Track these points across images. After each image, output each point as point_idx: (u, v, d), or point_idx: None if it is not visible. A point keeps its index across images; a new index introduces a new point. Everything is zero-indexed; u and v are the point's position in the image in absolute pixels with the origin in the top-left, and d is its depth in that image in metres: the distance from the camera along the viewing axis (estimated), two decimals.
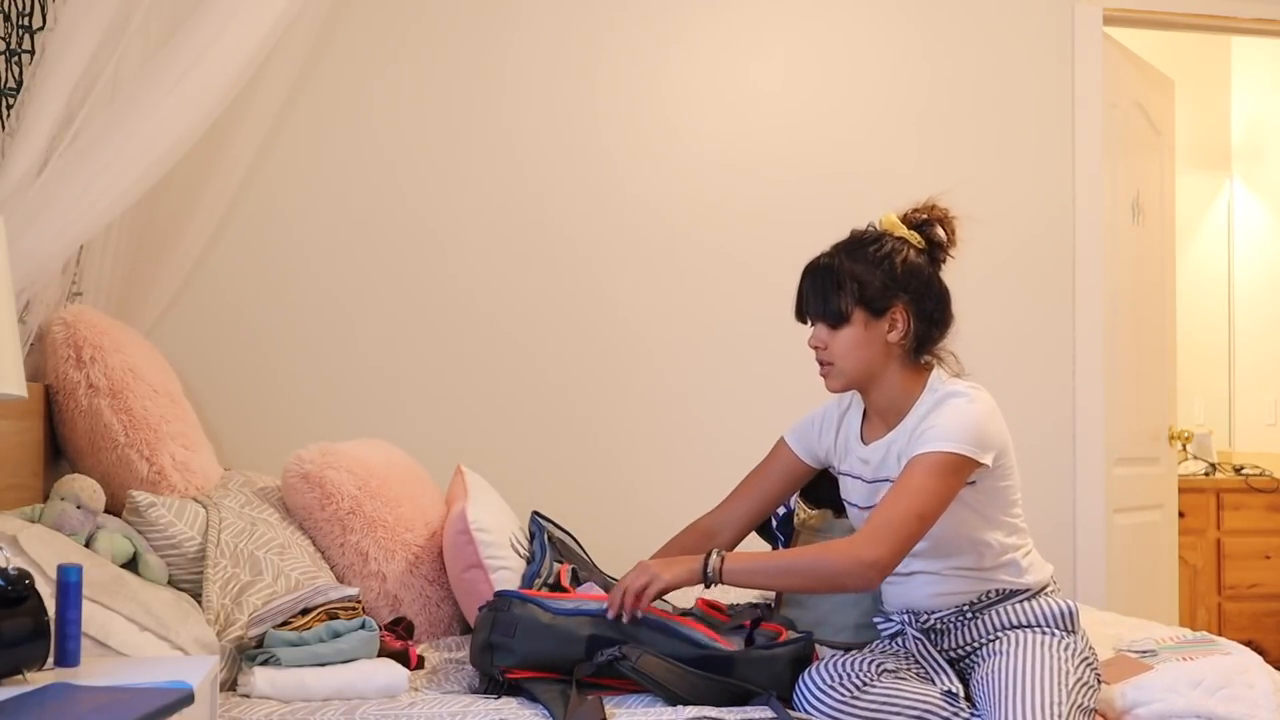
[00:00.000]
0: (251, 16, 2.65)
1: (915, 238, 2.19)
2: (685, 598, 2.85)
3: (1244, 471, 5.05)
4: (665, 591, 2.08)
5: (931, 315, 2.18)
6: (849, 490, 2.28)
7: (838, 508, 2.45)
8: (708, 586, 2.09)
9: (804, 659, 2.11)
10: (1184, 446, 4.75)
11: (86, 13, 2.44)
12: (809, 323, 2.23)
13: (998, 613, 2.14)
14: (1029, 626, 2.11)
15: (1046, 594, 2.16)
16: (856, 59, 3.76)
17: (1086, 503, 3.81)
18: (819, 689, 2.00)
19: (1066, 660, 2.05)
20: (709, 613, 2.41)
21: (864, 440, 2.24)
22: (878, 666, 2.04)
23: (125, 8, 2.55)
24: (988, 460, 2.07)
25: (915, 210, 2.22)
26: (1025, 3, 3.83)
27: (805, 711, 2.01)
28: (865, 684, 1.99)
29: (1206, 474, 5.08)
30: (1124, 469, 3.99)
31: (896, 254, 2.16)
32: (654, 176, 3.62)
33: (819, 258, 2.22)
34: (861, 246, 2.19)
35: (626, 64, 3.63)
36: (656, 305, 3.60)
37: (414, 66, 3.50)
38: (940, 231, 2.21)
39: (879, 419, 2.22)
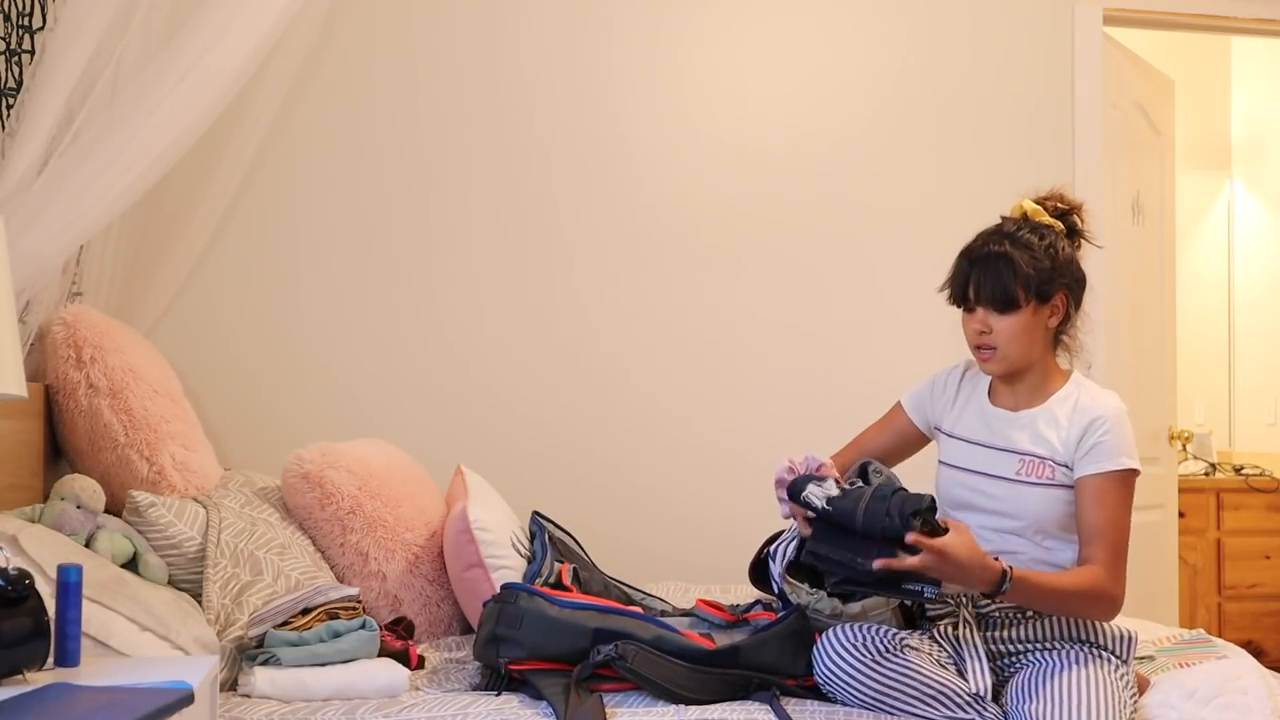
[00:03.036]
0: (252, 16, 2.66)
1: (1060, 226, 2.26)
2: (685, 598, 2.86)
3: (1244, 471, 5.04)
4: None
5: (1079, 302, 2.27)
6: (955, 453, 2.29)
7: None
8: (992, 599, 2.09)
9: (800, 634, 2.12)
10: (1184, 446, 4.75)
11: (86, 13, 2.44)
12: (969, 308, 2.23)
13: (1058, 620, 2.14)
14: (1086, 643, 2.11)
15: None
16: (857, 58, 3.76)
17: None
18: (840, 647, 2.01)
19: (1122, 690, 2.05)
20: (710, 612, 2.41)
21: (992, 400, 2.28)
22: (901, 640, 2.05)
23: (125, 8, 2.56)
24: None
25: (1048, 199, 2.29)
26: (1025, 3, 3.83)
27: (823, 668, 2.01)
28: (886, 652, 2.00)
29: (1206, 474, 5.08)
30: None
31: (1058, 243, 2.23)
32: (655, 176, 3.62)
33: (983, 245, 2.22)
34: (1024, 235, 2.22)
35: (630, 63, 3.63)
36: (656, 305, 3.60)
37: (414, 66, 3.50)
38: (1076, 220, 2.29)
39: (1010, 393, 2.26)
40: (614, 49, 3.62)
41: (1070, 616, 2.14)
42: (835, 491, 2.00)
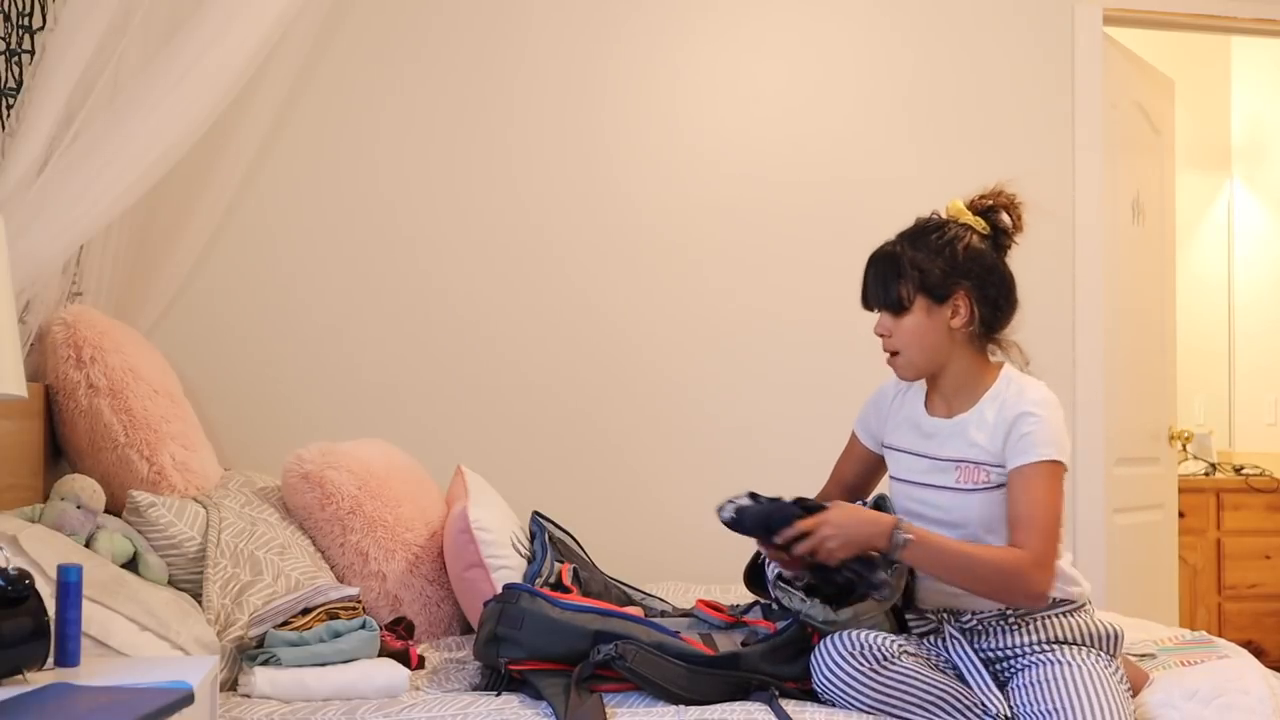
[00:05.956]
0: (251, 16, 2.65)
1: (980, 224, 2.20)
2: (685, 598, 2.86)
3: (1244, 471, 5.04)
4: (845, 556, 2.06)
5: (995, 301, 2.19)
6: (900, 466, 2.26)
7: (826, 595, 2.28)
8: (889, 561, 2.06)
9: (799, 640, 2.11)
10: (1184, 446, 4.75)
11: (86, 13, 2.44)
12: (874, 310, 2.22)
13: (1042, 623, 2.13)
14: (1075, 644, 2.11)
15: (1088, 611, 2.16)
16: (856, 60, 3.76)
17: (1087, 502, 3.81)
18: (839, 656, 2.00)
19: (1119, 683, 2.05)
20: (709, 613, 2.41)
21: (929, 411, 2.24)
22: (899, 647, 2.04)
23: (125, 8, 2.55)
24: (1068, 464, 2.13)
25: (982, 196, 2.23)
26: (1025, 3, 3.83)
27: (821, 678, 2.01)
28: (886, 659, 1.99)
29: (1206, 474, 5.08)
30: (1124, 469, 3.99)
31: (958, 240, 2.17)
32: (654, 178, 3.62)
33: (882, 246, 2.22)
34: (924, 234, 2.19)
35: (626, 67, 3.63)
36: (655, 306, 3.60)
37: (414, 67, 3.50)
38: (1005, 217, 2.22)
39: (942, 400, 2.22)
40: (615, 55, 3.62)
41: (985, 593, 2.10)
42: (745, 502, 2.13)
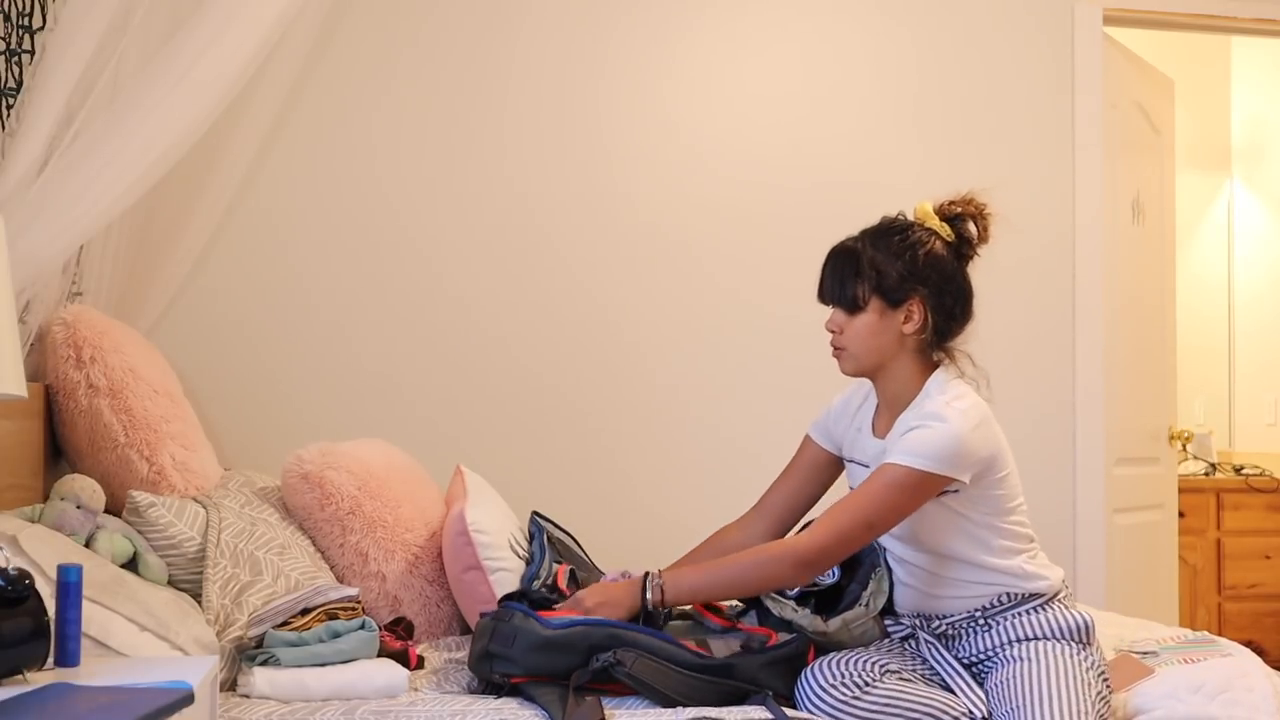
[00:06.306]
0: (251, 16, 2.65)
1: (946, 230, 2.18)
2: None
3: (1244, 471, 5.04)
4: None
5: (950, 310, 2.16)
6: (855, 477, 2.27)
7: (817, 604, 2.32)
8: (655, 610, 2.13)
9: (798, 658, 2.11)
10: (1184, 446, 4.75)
11: (86, 13, 2.44)
12: (828, 305, 2.21)
13: (1012, 623, 2.13)
14: (1045, 639, 2.11)
15: (1060, 602, 2.16)
16: (855, 60, 3.76)
17: (1086, 502, 3.81)
18: (820, 686, 2.00)
19: (1086, 671, 2.05)
20: (706, 615, 2.41)
21: (874, 432, 2.24)
22: (881, 666, 2.04)
23: (125, 8, 2.55)
24: (963, 477, 2.07)
25: (951, 202, 2.20)
26: (1025, 3, 3.83)
27: (806, 709, 2.00)
28: (868, 684, 1.99)
29: (1206, 474, 5.08)
30: (1124, 469, 3.99)
31: (921, 245, 2.14)
32: (653, 179, 3.62)
33: (844, 241, 2.21)
34: (887, 234, 2.17)
35: (625, 68, 3.63)
36: (655, 306, 3.60)
37: (413, 67, 3.50)
38: (971, 227, 2.19)
39: (887, 411, 2.21)
40: (615, 56, 3.62)
41: (759, 589, 2.13)
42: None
